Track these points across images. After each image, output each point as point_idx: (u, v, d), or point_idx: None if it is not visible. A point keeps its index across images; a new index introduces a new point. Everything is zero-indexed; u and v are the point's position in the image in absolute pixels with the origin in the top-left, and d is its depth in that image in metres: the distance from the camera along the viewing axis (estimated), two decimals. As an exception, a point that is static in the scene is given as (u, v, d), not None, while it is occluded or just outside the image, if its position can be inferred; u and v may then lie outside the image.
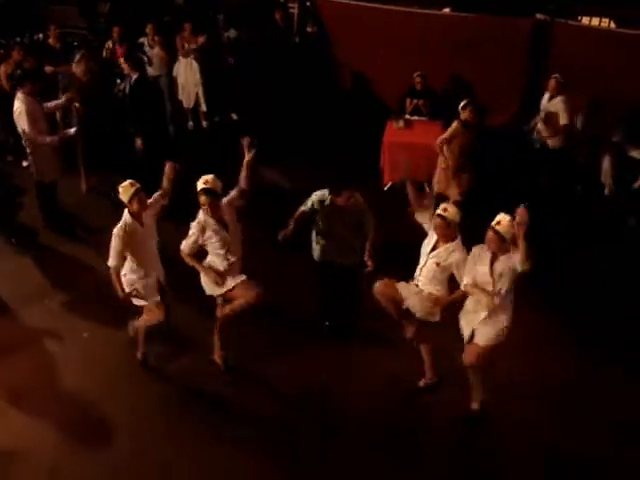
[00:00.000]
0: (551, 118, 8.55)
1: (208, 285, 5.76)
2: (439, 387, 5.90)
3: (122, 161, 9.08)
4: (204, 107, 10.60)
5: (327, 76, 10.44)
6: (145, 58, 10.18)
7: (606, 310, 6.98)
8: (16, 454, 5.23)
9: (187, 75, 10.38)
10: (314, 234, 6.16)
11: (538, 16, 9.70)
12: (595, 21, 10.17)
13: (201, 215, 5.56)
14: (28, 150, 7.72)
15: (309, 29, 10.59)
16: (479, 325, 5.25)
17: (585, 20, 10.19)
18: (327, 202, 5.88)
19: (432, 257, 5.33)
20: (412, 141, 9.11)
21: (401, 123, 9.44)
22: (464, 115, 7.73)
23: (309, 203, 5.99)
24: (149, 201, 5.62)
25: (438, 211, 5.20)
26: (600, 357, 6.34)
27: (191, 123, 10.88)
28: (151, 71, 10.31)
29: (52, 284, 7.17)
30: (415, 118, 9.60)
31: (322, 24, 10.35)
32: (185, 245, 5.66)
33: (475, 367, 5.39)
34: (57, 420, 5.55)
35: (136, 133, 8.22)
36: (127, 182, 5.44)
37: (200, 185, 5.42)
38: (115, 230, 5.44)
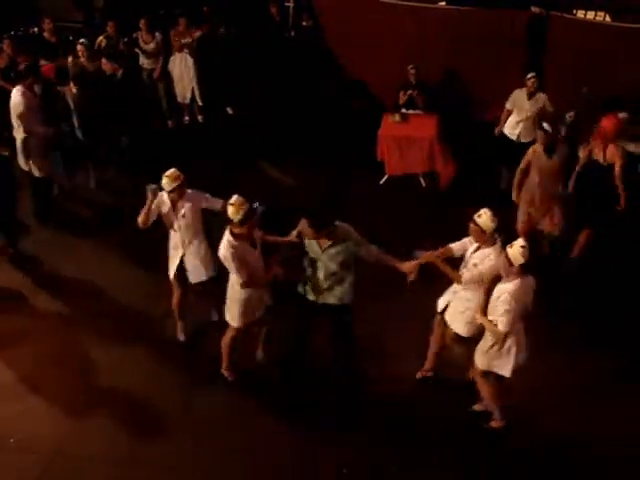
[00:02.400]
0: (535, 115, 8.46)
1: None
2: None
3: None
4: (200, 101, 10.60)
5: (323, 70, 10.39)
6: (139, 52, 10.21)
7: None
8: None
9: (182, 70, 10.37)
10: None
11: (533, 9, 9.71)
12: (590, 14, 10.16)
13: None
14: (22, 145, 7.71)
15: (305, 23, 10.52)
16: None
17: (580, 13, 10.17)
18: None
19: (473, 258, 5.27)
20: (408, 134, 9.12)
21: (397, 117, 9.42)
22: None
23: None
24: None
25: (474, 216, 5.16)
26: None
27: (187, 118, 10.87)
28: (147, 64, 10.31)
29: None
30: (410, 112, 9.58)
31: (317, 18, 10.30)
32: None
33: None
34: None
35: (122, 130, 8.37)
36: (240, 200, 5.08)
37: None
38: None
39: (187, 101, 10.65)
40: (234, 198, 5.07)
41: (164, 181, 5.55)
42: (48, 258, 7.55)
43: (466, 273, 5.25)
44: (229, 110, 10.90)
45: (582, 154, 7.43)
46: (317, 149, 9.65)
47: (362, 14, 9.92)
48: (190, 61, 10.28)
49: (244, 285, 5.27)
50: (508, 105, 8.69)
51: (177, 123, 10.79)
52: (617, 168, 6.92)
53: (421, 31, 9.77)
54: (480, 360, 5.23)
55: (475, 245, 5.27)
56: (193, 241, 5.89)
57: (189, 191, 5.71)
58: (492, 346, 5.08)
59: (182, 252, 5.90)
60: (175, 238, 5.89)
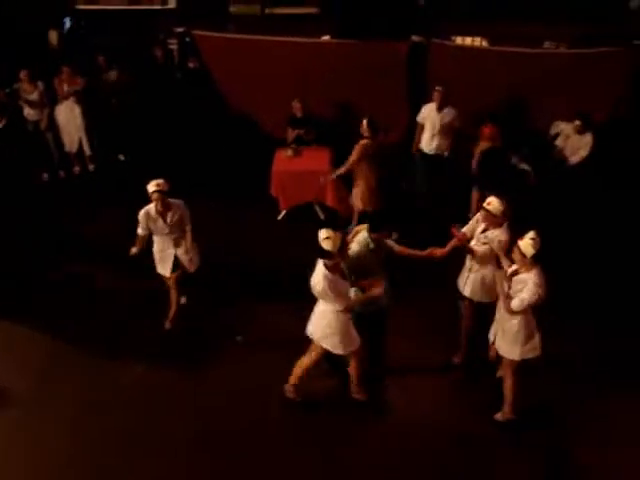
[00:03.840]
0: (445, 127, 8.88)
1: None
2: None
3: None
4: (88, 151, 10.38)
5: (213, 110, 10.31)
6: (23, 104, 9.91)
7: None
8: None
9: (68, 118, 10.14)
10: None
11: (414, 38, 9.96)
12: (469, 40, 10.51)
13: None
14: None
15: (191, 64, 10.46)
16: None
17: (459, 40, 10.51)
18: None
19: (483, 238, 6.01)
20: (301, 169, 9.13)
21: (289, 152, 9.43)
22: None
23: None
24: None
25: (484, 204, 5.94)
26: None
27: (78, 168, 10.58)
28: (31, 116, 10.01)
29: None
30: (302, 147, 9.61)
31: (203, 59, 10.23)
32: None
33: None
34: None
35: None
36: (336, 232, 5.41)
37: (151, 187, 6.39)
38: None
39: (75, 150, 10.38)
40: (328, 232, 5.36)
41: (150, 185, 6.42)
42: None
43: (478, 248, 6.03)
44: (121, 157, 10.70)
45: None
46: (211, 188, 9.52)
47: (247, 53, 9.86)
48: (76, 109, 10.06)
49: (346, 311, 5.61)
50: (419, 119, 9.02)
51: (68, 173, 10.51)
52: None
53: (307, 66, 9.80)
54: (514, 352, 5.61)
55: (483, 225, 6.04)
56: (182, 239, 6.77)
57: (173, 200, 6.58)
58: (518, 331, 5.53)
59: (174, 251, 6.78)
60: (164, 241, 6.74)
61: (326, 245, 5.29)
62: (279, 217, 9.27)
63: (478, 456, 5.65)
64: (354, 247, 5.83)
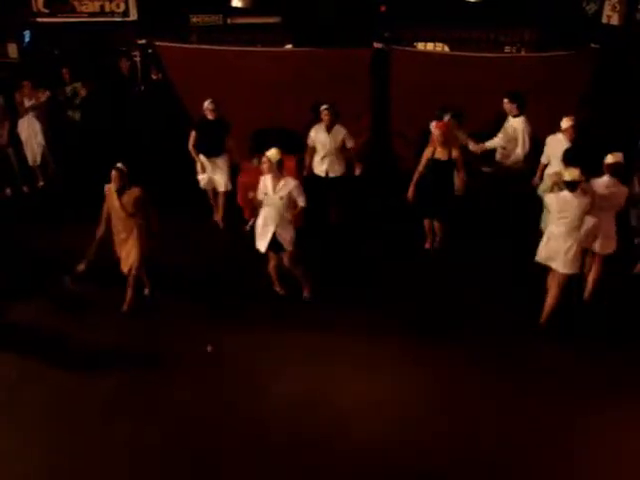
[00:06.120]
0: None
1: None
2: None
3: None
4: (52, 165, 10.28)
5: (177, 121, 10.25)
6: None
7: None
8: None
9: (29, 132, 10.03)
10: None
11: (376, 45, 10.04)
12: (430, 46, 10.63)
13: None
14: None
15: (154, 76, 10.41)
16: None
17: (421, 45, 10.63)
18: None
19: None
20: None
21: (255, 162, 9.38)
22: None
23: None
24: None
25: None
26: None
27: (42, 182, 10.44)
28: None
29: None
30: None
31: (165, 71, 10.19)
32: None
33: None
34: None
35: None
36: None
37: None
38: None
39: (38, 164, 10.27)
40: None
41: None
42: None
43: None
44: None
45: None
46: (176, 199, 9.46)
47: (209, 63, 9.88)
48: (36, 125, 9.96)
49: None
50: (309, 142, 8.86)
51: (32, 188, 10.38)
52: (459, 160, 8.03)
53: (270, 75, 9.83)
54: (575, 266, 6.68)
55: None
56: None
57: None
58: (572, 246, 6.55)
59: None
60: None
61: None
62: (247, 227, 9.23)
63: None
64: None
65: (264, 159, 7.21)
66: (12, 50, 10.90)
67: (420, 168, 8.22)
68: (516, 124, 8.42)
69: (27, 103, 9.92)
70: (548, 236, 6.79)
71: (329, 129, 8.67)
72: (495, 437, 5.74)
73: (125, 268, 7.25)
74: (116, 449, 5.61)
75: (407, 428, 5.81)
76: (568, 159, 7.10)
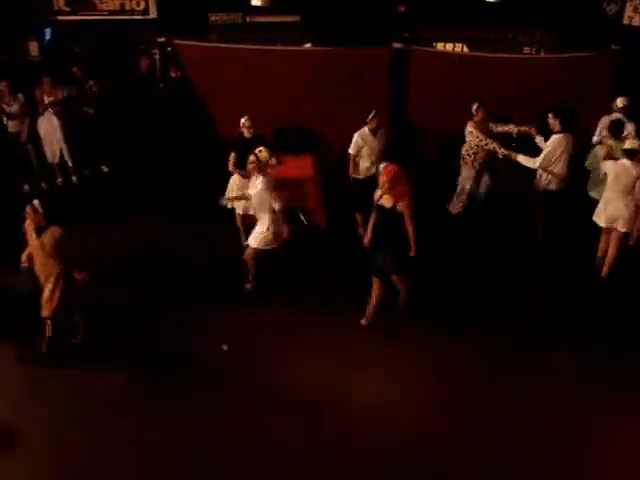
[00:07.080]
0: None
1: None
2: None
3: None
4: (70, 162, 10.35)
5: (196, 119, 10.29)
6: (3, 116, 9.85)
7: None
8: None
9: (48, 130, 10.10)
10: None
11: (395, 45, 10.03)
12: (449, 46, 10.60)
13: None
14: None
15: (173, 74, 10.45)
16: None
17: (440, 46, 10.60)
18: None
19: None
20: (285, 176, 9.10)
21: (274, 161, 9.40)
22: None
23: None
24: None
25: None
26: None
27: (60, 179, 10.52)
28: (11, 127, 9.93)
29: None
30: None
31: (185, 69, 10.22)
32: None
33: None
34: None
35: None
36: None
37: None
38: None
39: (57, 161, 10.34)
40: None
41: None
42: None
43: None
44: (104, 168, 10.67)
45: None
46: (193, 200, 9.50)
47: (228, 62, 9.87)
48: (54, 121, 10.02)
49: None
50: (353, 150, 8.58)
51: (50, 185, 10.44)
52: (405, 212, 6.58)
53: (289, 74, 9.83)
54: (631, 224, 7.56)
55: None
56: None
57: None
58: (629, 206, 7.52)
59: None
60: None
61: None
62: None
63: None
64: None
65: (252, 158, 7.31)
66: (33, 48, 10.98)
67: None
68: (550, 140, 8.21)
69: (46, 100, 9.99)
70: (605, 201, 7.67)
71: (374, 133, 8.58)
72: (495, 437, 5.71)
73: (44, 313, 6.50)
74: (122, 447, 5.61)
75: (407, 428, 5.79)
76: (615, 131, 8.22)
